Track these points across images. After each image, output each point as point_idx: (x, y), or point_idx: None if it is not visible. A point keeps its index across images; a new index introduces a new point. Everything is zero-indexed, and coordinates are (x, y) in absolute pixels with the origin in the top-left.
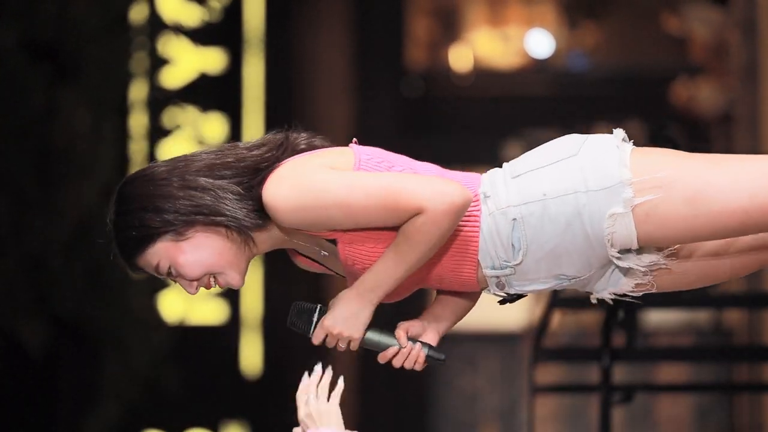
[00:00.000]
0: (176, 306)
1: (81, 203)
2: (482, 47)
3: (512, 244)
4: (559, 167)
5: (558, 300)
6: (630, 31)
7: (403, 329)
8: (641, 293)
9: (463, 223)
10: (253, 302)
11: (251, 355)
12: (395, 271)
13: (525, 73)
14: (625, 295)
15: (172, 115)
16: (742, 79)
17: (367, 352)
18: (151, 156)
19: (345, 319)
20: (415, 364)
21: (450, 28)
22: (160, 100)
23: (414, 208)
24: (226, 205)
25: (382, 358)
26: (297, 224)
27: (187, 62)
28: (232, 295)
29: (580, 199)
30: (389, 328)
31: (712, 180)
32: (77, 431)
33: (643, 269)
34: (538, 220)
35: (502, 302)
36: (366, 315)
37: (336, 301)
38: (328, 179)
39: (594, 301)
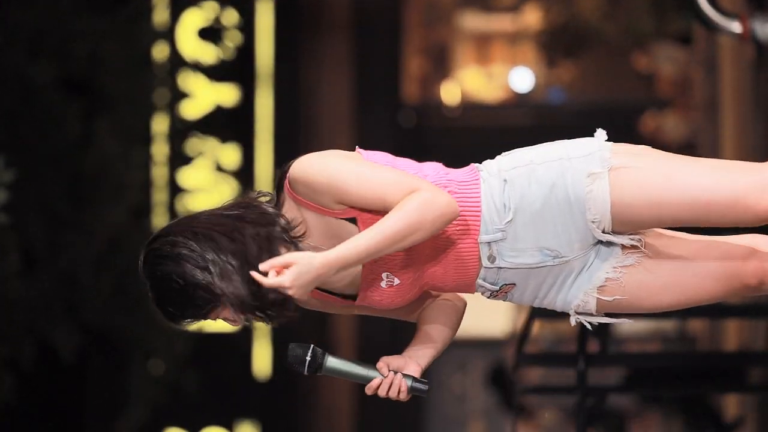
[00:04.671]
0: None
1: (110, 223)
2: (470, 83)
3: (504, 204)
4: (546, 146)
5: (538, 311)
6: (603, 68)
7: (384, 362)
8: (612, 298)
9: (466, 191)
10: None
11: (262, 360)
12: (366, 243)
13: (508, 107)
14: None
15: (190, 145)
16: (704, 112)
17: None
18: (173, 181)
19: (302, 273)
20: (399, 393)
21: (441, 67)
22: (180, 130)
23: (415, 187)
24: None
25: (368, 389)
26: (314, 181)
27: (204, 96)
28: None
29: (564, 165)
30: (373, 363)
31: (685, 166)
32: (106, 431)
33: (620, 240)
34: (525, 180)
35: (491, 296)
36: (317, 278)
37: (304, 255)
38: (344, 156)
39: (573, 322)
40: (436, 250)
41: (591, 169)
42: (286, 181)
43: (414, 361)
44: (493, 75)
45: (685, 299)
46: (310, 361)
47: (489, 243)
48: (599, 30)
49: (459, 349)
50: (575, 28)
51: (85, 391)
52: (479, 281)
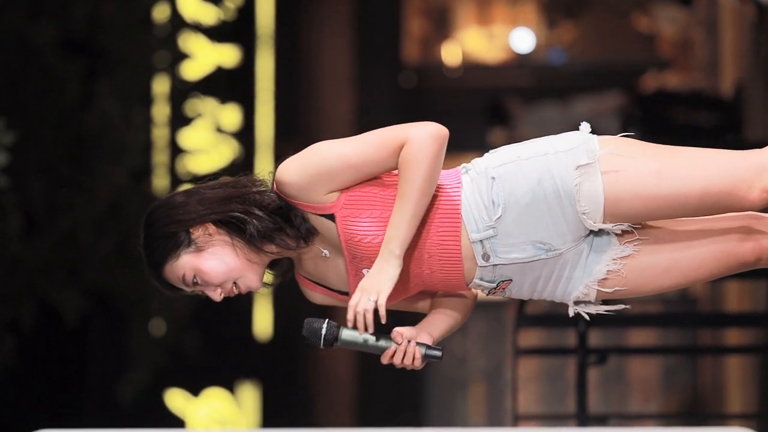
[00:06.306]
0: None
1: (111, 184)
2: (470, 44)
3: (492, 201)
4: (532, 141)
5: None
6: (604, 28)
7: (397, 331)
8: (613, 289)
9: (446, 192)
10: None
11: (263, 321)
12: (403, 215)
13: (509, 67)
14: (606, 304)
15: (191, 105)
16: (705, 72)
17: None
18: (173, 142)
19: (371, 276)
20: (414, 361)
21: (442, 27)
22: (181, 91)
23: (400, 140)
24: (239, 206)
25: (384, 357)
26: (300, 181)
27: (205, 57)
28: None
29: (549, 159)
30: (386, 333)
31: (674, 159)
32: (107, 393)
33: (613, 228)
34: (513, 176)
35: (489, 293)
36: (391, 268)
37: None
38: (326, 144)
39: (571, 313)
40: (419, 250)
41: (578, 162)
42: (274, 186)
43: (426, 331)
44: (494, 35)
45: (686, 280)
46: (325, 334)
47: (481, 241)
48: None
49: None
50: None
51: (86, 353)
52: (476, 280)
